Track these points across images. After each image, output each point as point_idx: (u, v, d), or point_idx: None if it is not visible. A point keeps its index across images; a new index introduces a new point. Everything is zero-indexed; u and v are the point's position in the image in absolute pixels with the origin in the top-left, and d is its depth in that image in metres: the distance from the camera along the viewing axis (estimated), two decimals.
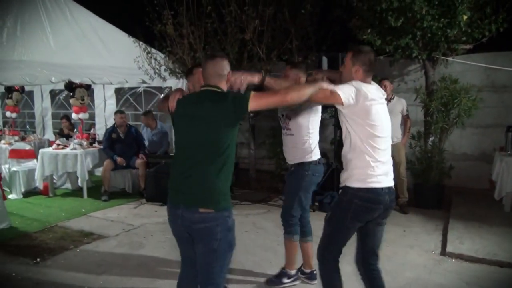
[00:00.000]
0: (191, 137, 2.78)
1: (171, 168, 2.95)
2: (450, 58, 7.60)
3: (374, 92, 3.08)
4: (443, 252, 5.20)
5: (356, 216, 3.09)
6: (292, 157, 4.19)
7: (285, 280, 4.31)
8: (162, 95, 9.62)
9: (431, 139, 7.37)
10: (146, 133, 8.79)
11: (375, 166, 3.05)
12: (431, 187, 7.23)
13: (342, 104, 2.97)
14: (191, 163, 2.76)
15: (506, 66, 7.99)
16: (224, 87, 2.86)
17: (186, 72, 3.94)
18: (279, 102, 2.88)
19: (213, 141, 2.71)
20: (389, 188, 3.12)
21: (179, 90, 3.04)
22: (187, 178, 2.76)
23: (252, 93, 2.71)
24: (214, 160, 2.71)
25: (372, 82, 3.21)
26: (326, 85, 2.96)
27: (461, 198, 7.57)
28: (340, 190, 3.22)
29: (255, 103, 2.69)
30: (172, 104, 2.88)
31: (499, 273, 4.65)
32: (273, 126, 9.09)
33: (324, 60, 6.85)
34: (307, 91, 2.87)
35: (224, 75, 2.84)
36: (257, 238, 5.75)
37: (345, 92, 2.95)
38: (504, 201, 6.89)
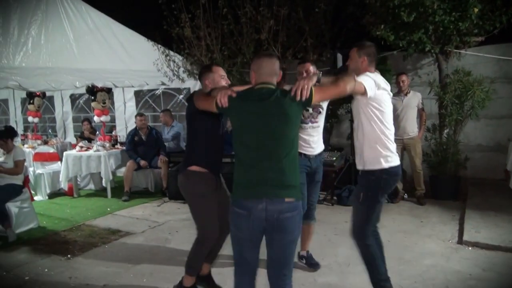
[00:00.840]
0: (264, 133, 2.79)
1: (237, 165, 2.91)
2: (462, 51, 7.66)
3: (382, 81, 3.50)
4: (460, 241, 5.30)
5: (386, 190, 3.61)
6: (315, 147, 4.40)
7: None
8: (181, 96, 9.82)
9: (446, 131, 7.47)
10: (164, 132, 9.00)
11: (390, 146, 3.54)
12: (447, 178, 7.33)
13: (367, 95, 3.31)
14: (268, 157, 2.78)
15: None
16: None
17: (202, 68, 3.94)
18: (340, 93, 3.02)
19: (286, 133, 2.80)
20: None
21: (227, 88, 3.09)
22: (267, 171, 2.76)
23: (314, 87, 2.84)
24: (288, 152, 2.80)
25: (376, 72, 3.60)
26: (355, 78, 3.22)
27: (477, 189, 7.65)
28: (362, 173, 3.62)
29: (318, 95, 2.85)
30: (224, 100, 2.86)
31: None
32: None
33: (339, 57, 6.97)
34: (353, 83, 3.09)
35: (278, 74, 2.94)
36: None
37: (369, 85, 3.30)
38: None
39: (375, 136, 3.50)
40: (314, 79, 2.91)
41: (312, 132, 4.35)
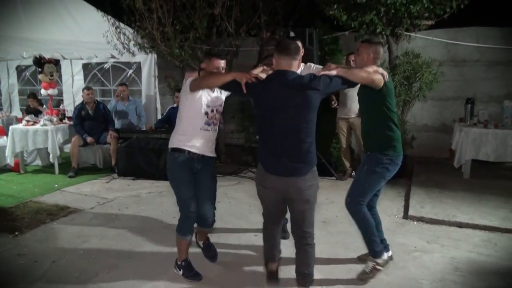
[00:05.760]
0: None
1: (394, 128, 3.78)
2: (412, 34, 7.83)
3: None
4: (405, 216, 5.53)
5: None
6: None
7: None
8: (131, 70, 9.63)
9: None
10: (117, 106, 8.87)
11: None
12: None
13: None
14: None
15: (466, 41, 8.36)
16: None
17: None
18: None
19: None
20: None
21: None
22: None
23: None
24: None
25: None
26: None
27: (423, 167, 7.95)
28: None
29: None
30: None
31: (458, 233, 5.00)
32: (241, 101, 9.25)
33: (292, 35, 6.97)
34: None
35: None
36: (230, 207, 5.96)
37: None
38: (463, 169, 7.29)
39: None
40: None
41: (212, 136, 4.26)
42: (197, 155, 3.79)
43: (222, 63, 3.76)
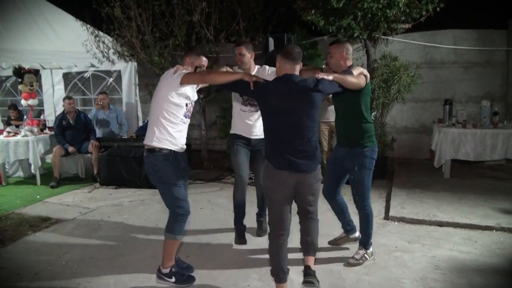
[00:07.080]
0: None
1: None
2: (390, 37, 7.92)
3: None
4: (386, 217, 5.60)
5: None
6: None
7: None
8: (111, 78, 9.60)
9: (373, 114, 7.74)
10: (98, 114, 8.82)
11: None
12: None
13: None
14: None
15: (443, 43, 8.51)
16: None
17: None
18: None
19: None
20: None
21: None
22: None
23: None
24: None
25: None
26: None
27: (403, 168, 8.05)
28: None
29: None
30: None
31: (439, 232, 5.08)
32: (223, 107, 9.27)
33: (271, 40, 7.02)
34: None
35: None
36: (212, 214, 5.96)
37: None
38: (444, 169, 7.41)
39: None
40: None
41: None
42: (182, 153, 3.88)
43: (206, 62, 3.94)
